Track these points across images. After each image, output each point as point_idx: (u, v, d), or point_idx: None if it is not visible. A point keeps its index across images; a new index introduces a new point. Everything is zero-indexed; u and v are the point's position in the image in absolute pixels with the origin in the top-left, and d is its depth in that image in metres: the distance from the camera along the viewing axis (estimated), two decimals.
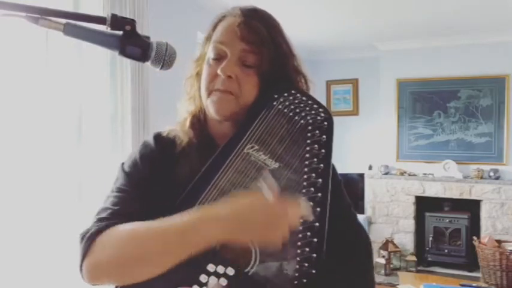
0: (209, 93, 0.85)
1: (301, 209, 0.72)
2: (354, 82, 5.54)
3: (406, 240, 4.97)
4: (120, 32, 0.70)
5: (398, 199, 4.99)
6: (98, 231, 0.75)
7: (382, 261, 4.66)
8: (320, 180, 0.78)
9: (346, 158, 5.46)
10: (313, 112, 0.83)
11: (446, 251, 4.80)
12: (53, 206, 1.97)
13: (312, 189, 0.78)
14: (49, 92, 1.99)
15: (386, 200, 5.05)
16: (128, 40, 0.70)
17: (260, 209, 0.70)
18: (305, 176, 0.78)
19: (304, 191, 0.78)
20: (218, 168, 0.79)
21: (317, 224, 0.76)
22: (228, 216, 0.70)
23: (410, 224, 4.97)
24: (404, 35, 4.72)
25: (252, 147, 0.80)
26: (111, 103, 2.33)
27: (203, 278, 0.72)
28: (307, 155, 0.80)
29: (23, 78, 1.89)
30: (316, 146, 0.81)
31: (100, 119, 2.27)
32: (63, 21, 0.67)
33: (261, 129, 0.81)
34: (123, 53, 0.71)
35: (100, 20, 0.69)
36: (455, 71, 4.81)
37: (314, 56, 5.64)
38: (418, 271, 4.74)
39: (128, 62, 2.31)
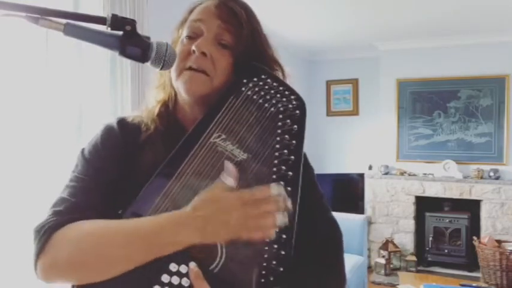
0: (180, 72, 0.80)
1: (273, 192, 0.65)
2: (354, 82, 5.54)
3: (406, 240, 4.97)
4: (120, 32, 0.70)
5: (398, 199, 4.99)
6: (54, 227, 0.71)
7: (382, 261, 4.66)
8: (290, 173, 0.74)
9: (346, 158, 5.47)
10: (284, 99, 0.78)
11: (446, 251, 4.80)
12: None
13: (282, 182, 0.72)
14: (49, 92, 1.98)
15: (387, 200, 5.05)
16: (128, 40, 0.70)
17: (222, 202, 0.65)
18: (275, 169, 0.74)
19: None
20: (182, 158, 0.74)
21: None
22: (189, 217, 0.66)
23: (410, 224, 4.97)
24: (404, 35, 4.72)
25: (219, 136, 0.75)
26: (111, 103, 2.33)
27: (165, 278, 0.68)
28: (278, 146, 0.75)
29: (23, 78, 1.89)
30: (287, 136, 0.76)
31: (100, 119, 2.27)
32: (63, 21, 0.67)
33: (229, 117, 0.76)
34: (123, 53, 0.71)
35: (100, 20, 0.69)
36: (455, 71, 4.81)
37: (314, 56, 5.64)
38: (418, 271, 4.74)
39: (128, 62, 2.31)
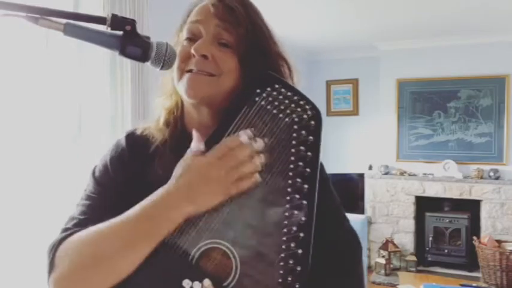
0: (181, 74, 0.79)
1: (242, 138, 0.68)
2: (354, 82, 5.54)
3: (406, 240, 4.97)
4: (120, 32, 0.70)
5: (399, 199, 5.00)
6: (60, 242, 0.72)
7: (382, 261, 4.66)
8: (306, 186, 0.72)
9: (346, 158, 5.47)
10: (298, 109, 0.76)
11: (446, 251, 4.80)
12: (52, 206, 1.96)
13: (297, 195, 0.71)
14: (49, 92, 1.99)
15: (386, 200, 5.05)
16: (128, 40, 0.70)
17: (198, 164, 0.68)
18: (290, 181, 0.72)
19: (288, 197, 0.71)
20: None
21: (302, 234, 0.69)
22: (172, 188, 0.68)
23: (410, 224, 4.97)
24: (404, 35, 4.73)
25: None
26: (111, 103, 2.33)
27: None
28: (293, 158, 0.73)
29: (23, 78, 1.89)
30: (302, 147, 0.74)
31: (100, 119, 2.27)
32: (63, 21, 0.67)
33: (243, 128, 0.75)
34: (123, 53, 0.71)
35: (100, 20, 0.69)
36: (455, 71, 4.81)
37: (314, 56, 5.64)
38: (418, 271, 4.74)
39: (128, 62, 2.31)
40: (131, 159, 0.82)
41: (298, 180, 0.72)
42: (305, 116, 0.76)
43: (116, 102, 2.35)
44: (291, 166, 0.73)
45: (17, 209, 1.86)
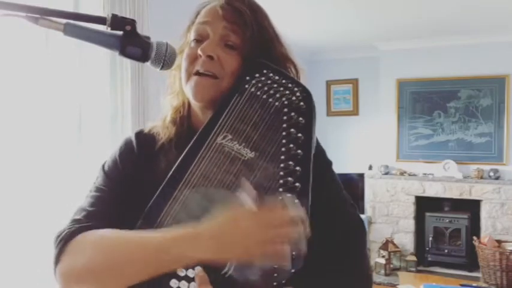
0: (188, 76, 0.81)
1: (290, 210, 0.62)
2: (354, 82, 5.54)
3: (406, 240, 4.97)
4: (120, 32, 0.70)
5: (399, 199, 4.99)
6: (71, 235, 0.73)
7: (382, 261, 4.66)
8: (299, 168, 0.70)
9: (346, 158, 5.46)
10: (287, 92, 0.75)
11: (446, 251, 4.80)
12: (53, 206, 1.96)
13: (290, 178, 0.69)
14: (49, 92, 1.98)
15: (386, 200, 5.05)
16: (128, 40, 0.70)
17: (241, 224, 0.63)
18: (282, 165, 0.70)
19: (281, 181, 0.70)
20: (190, 162, 0.73)
21: None
22: (203, 236, 0.64)
23: (410, 224, 4.97)
24: (404, 35, 4.73)
25: (225, 137, 0.74)
26: (111, 103, 2.32)
27: (174, 283, 0.66)
28: (284, 141, 0.72)
29: (23, 78, 1.89)
30: (293, 130, 0.73)
31: (100, 119, 2.27)
32: (63, 21, 0.67)
33: (234, 116, 0.75)
34: (123, 53, 0.71)
35: (100, 20, 0.69)
36: (455, 71, 4.81)
37: (314, 56, 5.64)
38: (418, 271, 4.74)
39: (128, 62, 2.31)
40: (139, 156, 0.84)
41: (291, 163, 0.71)
42: (294, 99, 0.75)
43: (116, 102, 2.35)
44: (283, 149, 0.72)
45: (17, 208, 1.86)
